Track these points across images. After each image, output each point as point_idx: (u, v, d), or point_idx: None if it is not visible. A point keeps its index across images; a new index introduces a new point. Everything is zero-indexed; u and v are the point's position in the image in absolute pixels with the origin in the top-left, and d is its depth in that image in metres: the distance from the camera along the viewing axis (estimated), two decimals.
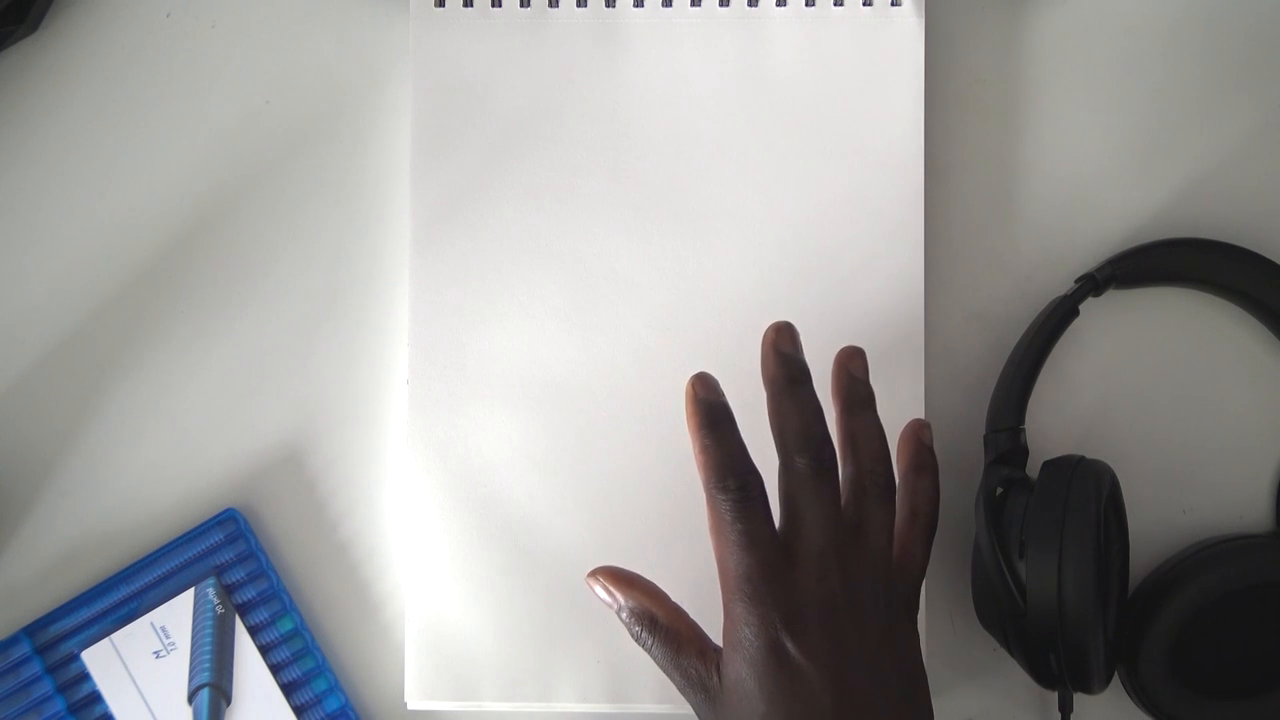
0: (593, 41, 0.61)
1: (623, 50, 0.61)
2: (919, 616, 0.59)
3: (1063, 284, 0.61)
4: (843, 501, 0.53)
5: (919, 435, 0.57)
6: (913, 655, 0.53)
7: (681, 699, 0.56)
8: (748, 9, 0.61)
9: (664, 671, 0.54)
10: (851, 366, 0.55)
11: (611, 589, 0.55)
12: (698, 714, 0.53)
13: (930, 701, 0.53)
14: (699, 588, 0.55)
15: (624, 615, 0.54)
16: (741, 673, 0.51)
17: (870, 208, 0.60)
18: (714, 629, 0.53)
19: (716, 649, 0.53)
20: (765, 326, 0.58)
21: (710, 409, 0.53)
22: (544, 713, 0.60)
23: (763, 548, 0.51)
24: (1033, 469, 0.58)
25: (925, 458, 0.57)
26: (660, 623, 0.54)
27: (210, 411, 0.61)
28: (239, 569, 0.60)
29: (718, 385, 0.54)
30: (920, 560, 0.55)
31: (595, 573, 0.55)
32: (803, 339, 0.56)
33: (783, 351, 0.54)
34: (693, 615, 0.54)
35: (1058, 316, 0.59)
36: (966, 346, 0.61)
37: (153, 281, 0.62)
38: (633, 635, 0.54)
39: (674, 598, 0.55)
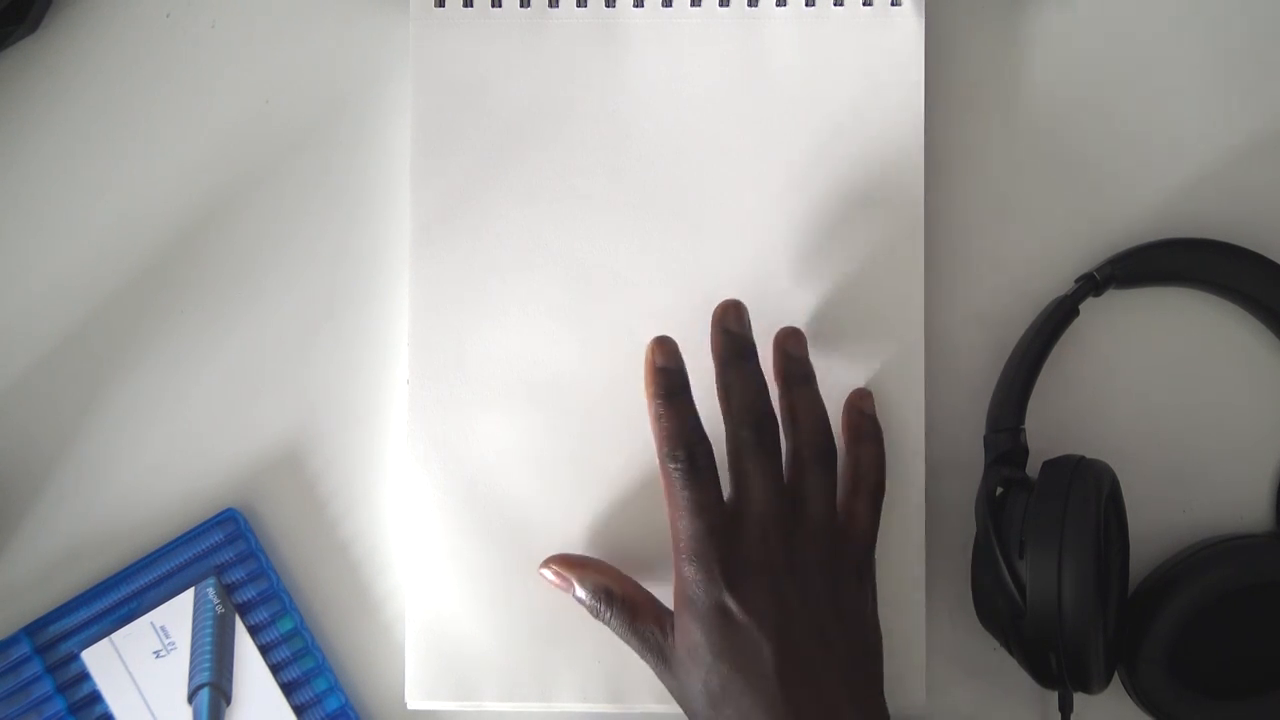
0: (593, 41, 0.61)
1: (623, 50, 0.61)
2: (920, 618, 0.59)
3: (1063, 284, 0.61)
4: (786, 472, 0.56)
5: (858, 405, 0.59)
6: (860, 616, 0.56)
7: None
8: (748, 9, 0.61)
9: (624, 640, 0.56)
10: (788, 346, 0.58)
11: (562, 572, 0.58)
12: (657, 675, 0.56)
13: (880, 662, 0.56)
14: None
15: (579, 594, 0.57)
16: (691, 630, 0.54)
17: (870, 208, 0.60)
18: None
19: (670, 613, 0.56)
20: (765, 326, 0.59)
21: (667, 377, 0.56)
22: (544, 713, 0.60)
23: (709, 513, 0.54)
24: (1033, 469, 0.58)
25: (865, 426, 0.59)
26: (615, 594, 0.57)
27: (210, 411, 0.61)
28: (239, 569, 0.60)
29: (677, 352, 0.56)
30: (867, 524, 0.57)
31: (545, 562, 0.59)
32: (803, 338, 0.58)
33: (729, 329, 0.56)
34: None
35: (1058, 317, 0.59)
36: (966, 346, 0.61)
37: (153, 281, 0.62)
38: (591, 611, 0.57)
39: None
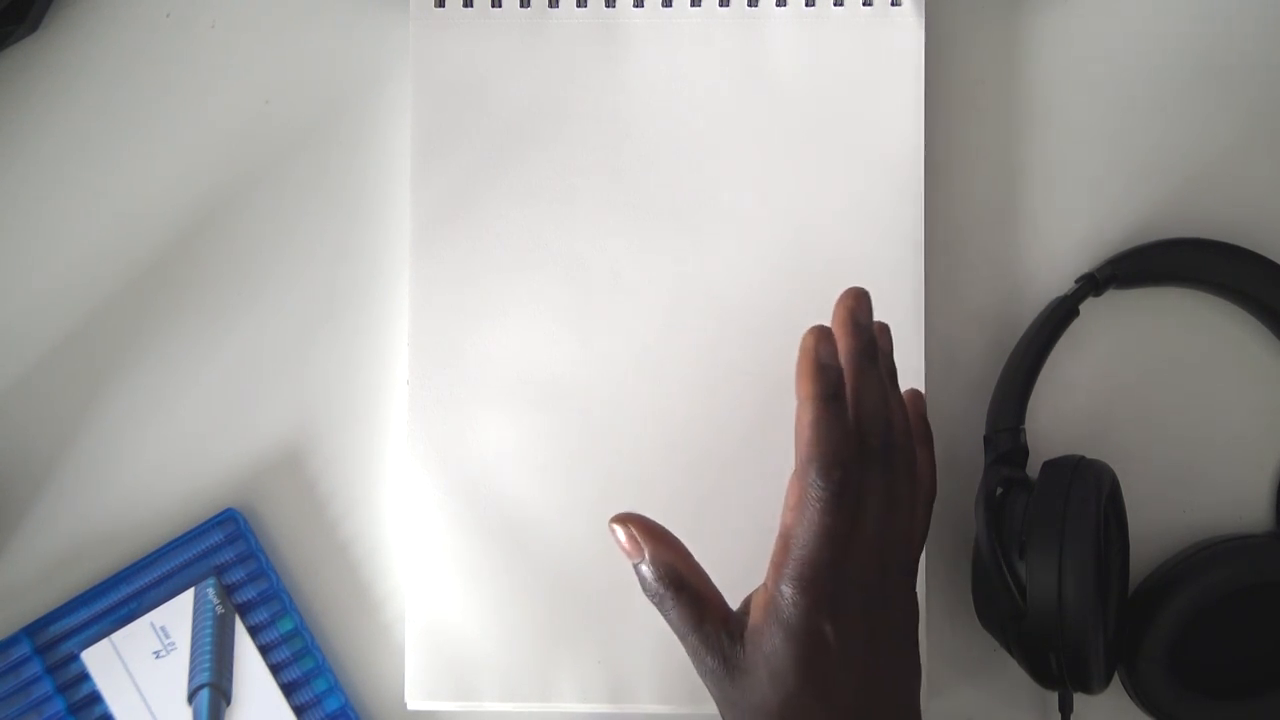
0: (593, 41, 0.61)
1: (623, 50, 0.61)
2: (920, 618, 0.59)
3: (1063, 284, 0.61)
4: None
5: (916, 409, 0.57)
6: (914, 628, 0.53)
7: (680, 699, 0.56)
8: (748, 9, 0.61)
9: (679, 634, 0.52)
10: (882, 340, 0.54)
11: (639, 537, 0.53)
12: (711, 679, 0.52)
13: (920, 672, 0.53)
14: None
15: (645, 569, 0.52)
16: (778, 649, 0.50)
17: (870, 208, 0.60)
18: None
19: (739, 618, 0.52)
20: (764, 325, 0.59)
21: (828, 377, 0.50)
22: (544, 713, 0.60)
23: (838, 546, 0.50)
24: (1033, 469, 0.58)
25: (922, 429, 0.56)
26: (686, 582, 0.52)
27: (210, 411, 0.61)
28: (239, 569, 0.60)
29: (836, 349, 0.51)
30: (924, 531, 0.55)
31: (623, 518, 0.53)
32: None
33: (862, 323, 0.52)
34: None
35: (1058, 316, 0.59)
36: (966, 346, 0.61)
37: (153, 281, 0.62)
38: (650, 592, 0.52)
39: None
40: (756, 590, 0.52)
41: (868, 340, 0.52)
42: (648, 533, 0.53)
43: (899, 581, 0.53)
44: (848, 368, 0.51)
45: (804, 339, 0.50)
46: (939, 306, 0.61)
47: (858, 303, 0.52)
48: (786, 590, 0.50)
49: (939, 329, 0.61)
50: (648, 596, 0.52)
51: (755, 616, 0.51)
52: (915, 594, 0.53)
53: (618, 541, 0.53)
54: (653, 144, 0.61)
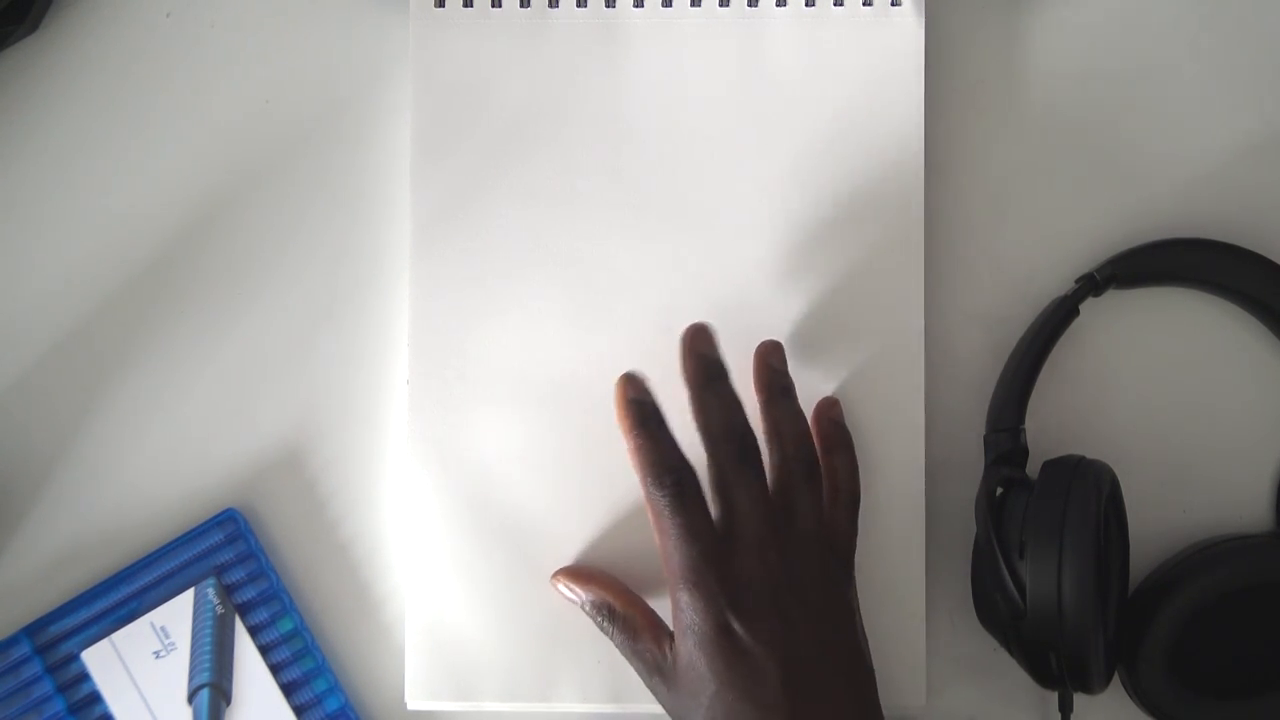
0: (593, 41, 0.61)
1: (623, 50, 0.61)
2: (920, 618, 0.59)
3: (1063, 284, 0.61)
4: (772, 487, 0.56)
5: (828, 414, 0.59)
6: (851, 627, 0.56)
7: None
8: (748, 9, 0.61)
9: (625, 658, 0.57)
10: (771, 359, 0.58)
11: (573, 586, 0.58)
12: (656, 696, 0.56)
13: (872, 671, 0.55)
14: None
15: (586, 608, 0.57)
16: (692, 656, 0.53)
17: (870, 208, 0.60)
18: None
19: (671, 634, 0.55)
20: (764, 325, 0.59)
21: (640, 409, 0.56)
22: (544, 713, 0.60)
23: (703, 538, 0.54)
24: (1033, 469, 0.58)
25: (837, 435, 0.59)
26: (618, 611, 0.57)
27: (210, 411, 0.61)
28: (239, 569, 0.60)
29: (645, 383, 0.56)
30: (847, 534, 0.57)
31: (556, 574, 0.59)
32: (802, 338, 0.59)
33: (700, 352, 0.56)
34: None
35: (1058, 317, 0.59)
36: (966, 346, 0.61)
37: (153, 281, 0.62)
38: (597, 626, 0.57)
39: None
40: None
41: (709, 365, 0.56)
42: (576, 578, 0.58)
43: (824, 577, 0.55)
44: (690, 391, 0.56)
45: (615, 386, 0.56)
46: (939, 306, 0.61)
47: (693, 336, 0.56)
48: (682, 597, 0.54)
49: (939, 329, 0.61)
50: (600, 632, 0.57)
51: (675, 631, 0.54)
52: (848, 589, 0.56)
53: (562, 595, 0.58)
54: (653, 144, 0.61)
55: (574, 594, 0.58)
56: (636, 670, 0.56)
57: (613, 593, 0.57)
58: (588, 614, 0.57)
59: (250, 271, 0.62)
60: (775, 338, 0.59)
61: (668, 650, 0.55)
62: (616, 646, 0.57)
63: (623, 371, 0.56)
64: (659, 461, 0.55)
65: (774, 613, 0.53)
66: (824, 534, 0.56)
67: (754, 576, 0.53)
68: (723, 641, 0.53)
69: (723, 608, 0.53)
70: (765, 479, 0.55)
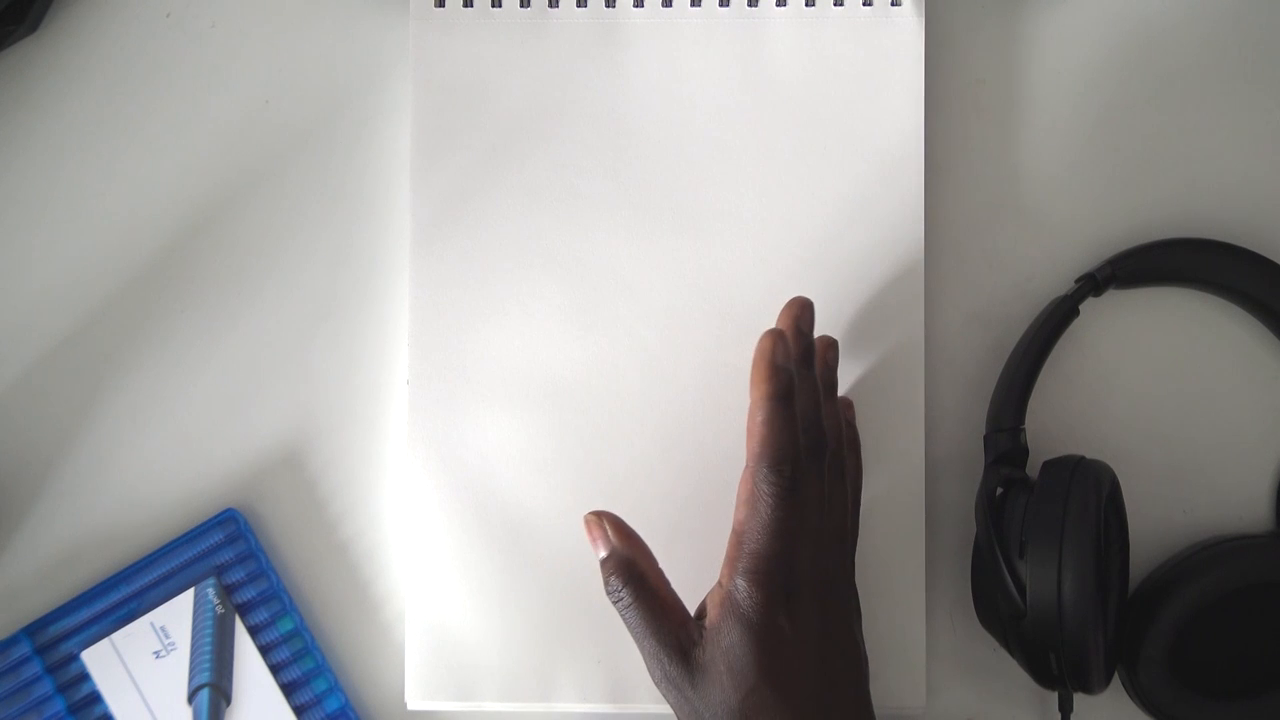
0: (593, 41, 0.61)
1: (623, 50, 0.61)
2: (920, 618, 0.59)
3: (1063, 284, 0.61)
4: None
5: (845, 414, 0.59)
6: (859, 622, 0.56)
7: None
8: (748, 9, 0.61)
9: (637, 636, 0.53)
10: (829, 357, 0.58)
11: (610, 532, 0.54)
12: (668, 685, 0.52)
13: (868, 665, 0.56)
14: (699, 587, 0.55)
15: (609, 562, 0.54)
16: (736, 644, 0.51)
17: (870, 208, 0.60)
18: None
19: (698, 622, 0.53)
20: (766, 325, 0.59)
21: (784, 379, 0.52)
22: (544, 713, 0.60)
23: (789, 538, 0.52)
24: (1033, 469, 0.58)
25: (851, 435, 0.59)
26: (648, 582, 0.53)
27: (210, 411, 0.61)
28: (239, 569, 0.60)
29: (791, 354, 0.53)
30: (853, 533, 0.58)
31: (598, 512, 0.55)
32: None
33: (804, 331, 0.55)
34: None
35: (1058, 317, 0.59)
36: (966, 346, 0.61)
37: (153, 281, 0.62)
38: (610, 589, 0.53)
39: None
40: (711, 590, 0.53)
41: (806, 347, 0.55)
42: (617, 528, 0.54)
43: (848, 574, 0.56)
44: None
45: (760, 341, 0.53)
46: (939, 306, 0.61)
47: (802, 311, 0.55)
48: (742, 584, 0.52)
49: (939, 329, 0.61)
50: (608, 595, 0.53)
51: (712, 615, 0.52)
52: (855, 588, 0.56)
53: (588, 532, 0.54)
54: (653, 144, 0.61)
55: (604, 544, 0.54)
56: (649, 650, 0.52)
57: (647, 560, 0.54)
58: (607, 570, 0.53)
59: (250, 271, 0.62)
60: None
61: (697, 637, 0.52)
62: (628, 619, 0.53)
63: (778, 326, 0.54)
64: (785, 446, 0.52)
65: (817, 613, 0.52)
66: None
67: (809, 574, 0.52)
68: (773, 635, 0.51)
69: (780, 603, 0.51)
70: (825, 476, 0.54)
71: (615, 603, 0.53)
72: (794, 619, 0.52)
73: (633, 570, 0.53)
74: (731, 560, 0.52)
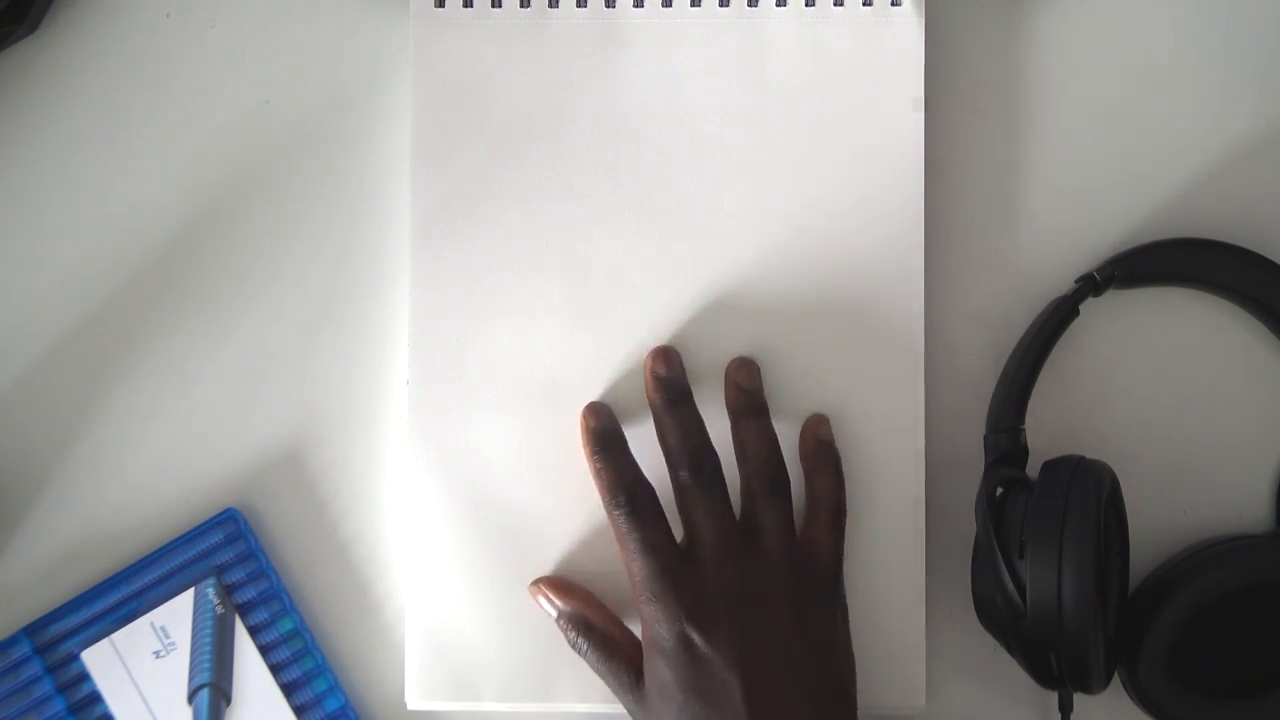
0: (593, 41, 0.61)
1: (623, 50, 0.61)
2: (920, 618, 0.59)
3: (1063, 284, 0.61)
4: (739, 505, 0.57)
5: (815, 433, 0.59)
6: (828, 645, 0.56)
7: None
8: (748, 9, 0.61)
9: (599, 675, 0.57)
10: (739, 378, 0.59)
11: (551, 596, 0.58)
12: (630, 713, 0.57)
13: (854, 690, 0.56)
14: None
15: (560, 621, 0.58)
16: (659, 669, 0.55)
17: (870, 208, 0.60)
18: None
19: (640, 654, 0.56)
20: (766, 325, 0.59)
21: (599, 435, 0.58)
22: (544, 713, 0.60)
23: (661, 551, 0.56)
24: (1033, 469, 0.58)
25: (821, 455, 0.59)
26: (595, 628, 0.57)
27: (210, 411, 0.61)
28: (239, 569, 0.60)
29: (606, 411, 0.59)
30: (829, 551, 0.57)
31: (536, 582, 0.59)
32: (802, 338, 0.59)
33: (659, 374, 0.58)
34: None
35: (1058, 317, 0.59)
36: (966, 346, 0.61)
37: (152, 282, 0.62)
38: (569, 641, 0.58)
39: None
40: None
41: (669, 387, 0.58)
42: (555, 588, 0.58)
43: (793, 594, 0.55)
44: (653, 413, 0.58)
45: (579, 419, 0.58)
46: (939, 306, 0.61)
47: (654, 360, 0.58)
48: (645, 610, 0.55)
49: (939, 329, 0.61)
50: (571, 648, 0.58)
51: (643, 646, 0.55)
52: (826, 607, 0.56)
53: (540, 605, 0.58)
54: (653, 144, 0.61)
55: (551, 605, 0.58)
56: (611, 688, 0.57)
57: (591, 608, 0.58)
58: (561, 627, 0.58)
59: (250, 271, 0.62)
60: (773, 336, 0.59)
61: (639, 669, 0.56)
62: (589, 663, 0.57)
63: (586, 403, 0.59)
64: (615, 481, 0.57)
65: (732, 625, 0.54)
66: (799, 550, 0.56)
67: (711, 588, 0.55)
68: (684, 651, 0.54)
69: (681, 617, 0.54)
70: (725, 496, 0.57)
71: (578, 652, 0.57)
72: (707, 633, 0.54)
73: (582, 621, 0.57)
74: (635, 598, 0.56)
